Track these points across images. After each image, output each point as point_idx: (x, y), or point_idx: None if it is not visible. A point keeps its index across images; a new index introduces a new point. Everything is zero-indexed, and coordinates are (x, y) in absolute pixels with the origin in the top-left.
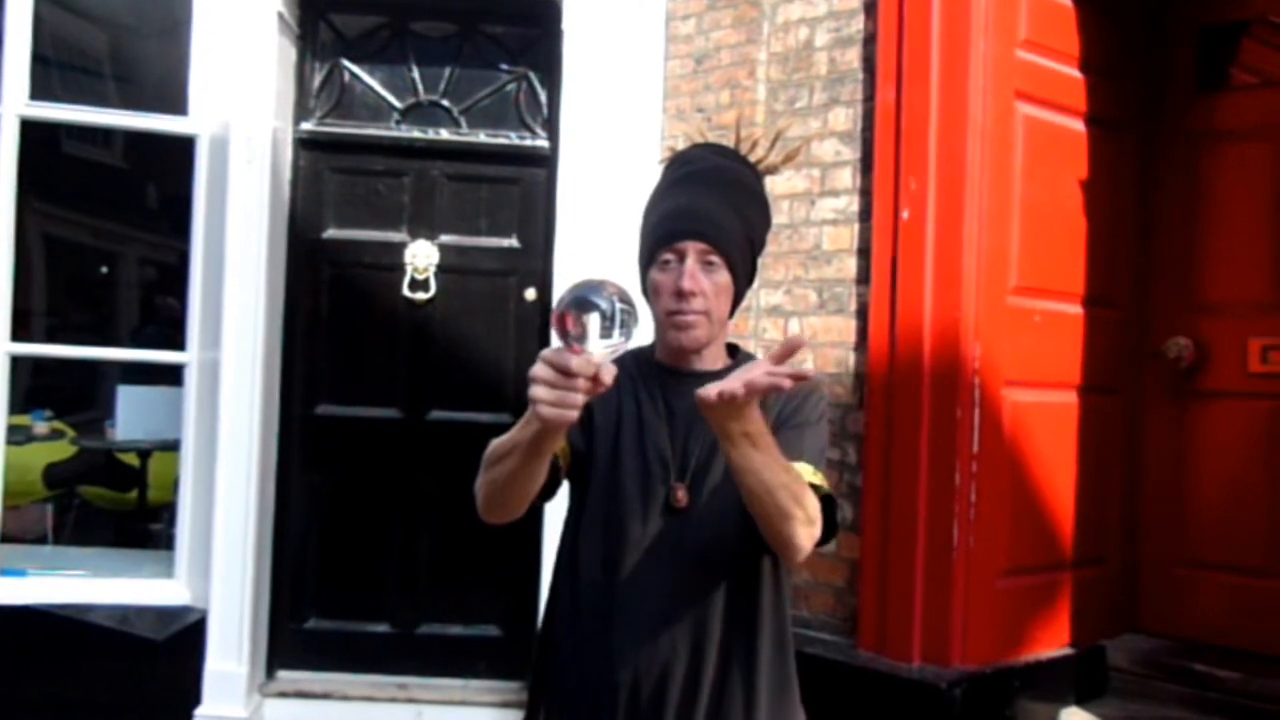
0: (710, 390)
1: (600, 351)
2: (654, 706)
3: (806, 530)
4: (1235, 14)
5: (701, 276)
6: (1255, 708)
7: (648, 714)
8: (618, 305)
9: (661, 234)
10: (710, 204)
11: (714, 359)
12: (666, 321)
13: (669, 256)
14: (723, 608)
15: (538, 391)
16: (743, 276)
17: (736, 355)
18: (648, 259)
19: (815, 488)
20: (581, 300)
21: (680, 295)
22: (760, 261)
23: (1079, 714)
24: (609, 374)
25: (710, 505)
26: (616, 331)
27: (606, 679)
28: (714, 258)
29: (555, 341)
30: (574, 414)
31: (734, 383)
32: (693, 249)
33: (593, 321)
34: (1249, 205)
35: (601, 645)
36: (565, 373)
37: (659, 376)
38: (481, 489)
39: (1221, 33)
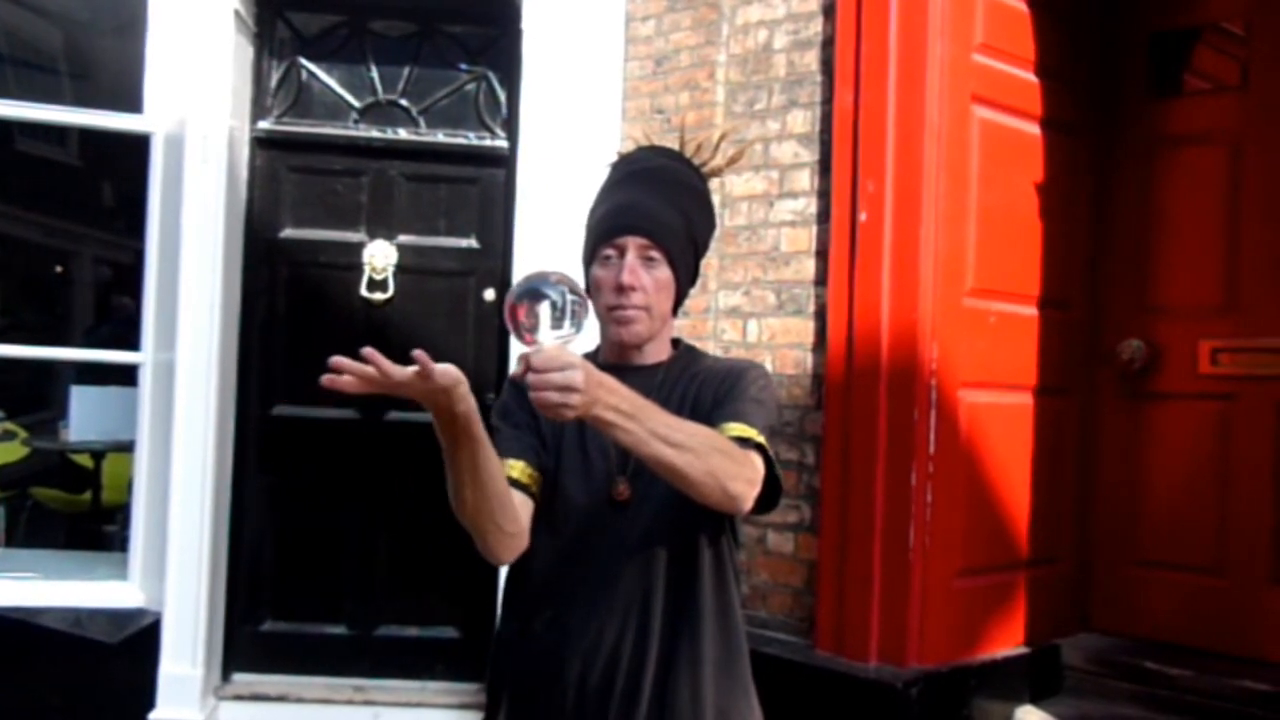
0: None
1: (551, 342)
2: (600, 695)
3: (738, 473)
4: (1187, 20)
5: (641, 271)
6: (1205, 704)
7: (594, 702)
8: (568, 296)
9: (603, 230)
10: (651, 201)
11: (656, 353)
12: (607, 316)
13: (610, 252)
14: (664, 595)
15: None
16: (685, 274)
17: (679, 348)
18: (590, 256)
19: (745, 440)
20: (533, 291)
21: (620, 290)
22: (722, 262)
23: (1034, 712)
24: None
25: (651, 497)
26: (567, 322)
27: (556, 671)
28: (654, 253)
29: (511, 336)
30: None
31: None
32: (633, 244)
33: (544, 312)
34: (1201, 209)
35: (550, 639)
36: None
37: None
38: (468, 524)
39: (1174, 39)
